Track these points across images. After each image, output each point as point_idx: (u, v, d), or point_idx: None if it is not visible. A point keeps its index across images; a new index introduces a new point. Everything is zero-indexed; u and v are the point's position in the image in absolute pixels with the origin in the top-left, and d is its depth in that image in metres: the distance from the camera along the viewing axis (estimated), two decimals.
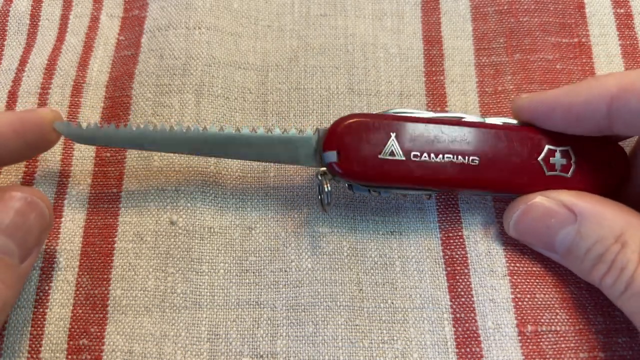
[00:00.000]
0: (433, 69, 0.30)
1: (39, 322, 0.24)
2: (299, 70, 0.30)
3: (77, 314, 0.24)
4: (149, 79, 0.29)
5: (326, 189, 0.24)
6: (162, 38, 0.30)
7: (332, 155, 0.24)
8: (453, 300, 0.25)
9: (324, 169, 0.24)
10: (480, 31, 0.31)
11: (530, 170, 0.24)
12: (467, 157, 0.24)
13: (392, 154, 0.24)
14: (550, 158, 0.24)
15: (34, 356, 0.24)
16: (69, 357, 0.24)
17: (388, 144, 0.24)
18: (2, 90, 0.29)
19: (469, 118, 0.25)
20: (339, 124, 0.24)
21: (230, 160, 0.28)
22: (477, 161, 0.24)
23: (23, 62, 0.30)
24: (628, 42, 0.31)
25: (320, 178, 0.24)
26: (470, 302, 0.25)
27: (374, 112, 0.26)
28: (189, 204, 0.26)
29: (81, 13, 0.32)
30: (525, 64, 0.30)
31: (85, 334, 0.24)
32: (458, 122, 0.25)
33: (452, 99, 0.30)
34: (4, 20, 0.31)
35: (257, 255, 0.26)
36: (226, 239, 0.26)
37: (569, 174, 0.24)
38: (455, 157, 0.24)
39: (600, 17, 0.32)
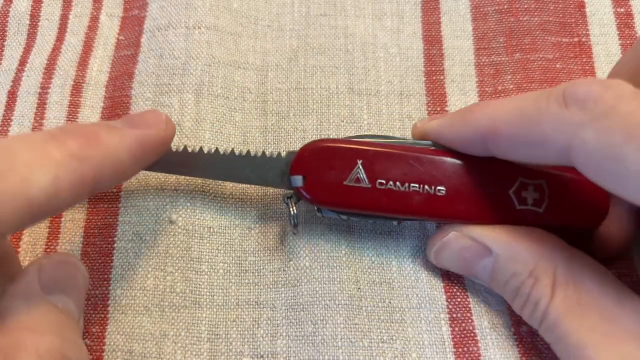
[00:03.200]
0: (433, 69, 0.30)
1: None
2: (298, 70, 0.30)
3: None
4: (149, 79, 0.29)
5: (292, 212, 0.24)
6: (162, 38, 0.30)
7: (298, 180, 0.24)
8: (449, 300, 0.25)
9: (291, 191, 0.24)
10: (480, 31, 0.31)
11: (500, 203, 0.23)
12: (433, 187, 0.23)
13: (357, 180, 0.23)
14: (523, 191, 0.23)
15: None
16: None
17: (354, 170, 0.23)
18: (2, 90, 0.29)
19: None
20: (306, 148, 0.24)
21: None
22: (443, 191, 0.23)
23: (23, 62, 0.30)
24: (628, 42, 0.31)
25: (286, 201, 0.25)
26: (466, 303, 0.25)
27: (345, 137, 0.25)
28: (188, 204, 0.27)
29: (81, 13, 0.32)
30: (525, 63, 0.30)
31: (86, 334, 0.24)
32: (426, 151, 0.24)
33: (452, 99, 0.30)
34: (4, 21, 0.31)
35: (257, 255, 0.26)
36: (225, 238, 0.26)
37: (542, 209, 0.23)
38: (421, 186, 0.23)
39: (600, 17, 0.32)
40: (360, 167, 0.23)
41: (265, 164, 0.25)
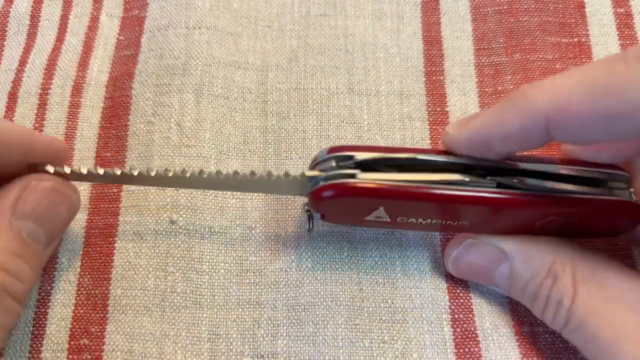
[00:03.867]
0: (433, 69, 0.30)
1: (41, 322, 0.24)
2: (298, 70, 0.30)
3: (79, 314, 0.25)
4: (149, 79, 0.29)
5: (310, 226, 0.25)
6: (162, 38, 0.30)
7: (316, 215, 0.24)
8: (452, 301, 0.25)
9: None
10: (480, 31, 0.31)
11: (523, 231, 0.23)
12: (456, 222, 0.23)
13: (378, 217, 0.23)
14: (552, 223, 0.23)
15: (35, 356, 0.24)
16: (70, 357, 0.24)
17: (375, 212, 0.23)
18: (2, 91, 0.29)
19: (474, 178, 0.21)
20: (323, 191, 0.22)
21: (230, 160, 0.28)
22: (467, 224, 0.23)
23: (23, 62, 0.30)
24: (628, 42, 0.31)
25: (307, 209, 0.24)
26: (469, 303, 0.25)
27: (375, 144, 0.24)
28: (189, 203, 0.27)
29: (81, 13, 0.32)
30: (525, 63, 0.31)
31: (86, 333, 0.24)
32: (451, 196, 0.21)
33: (452, 99, 0.30)
34: (4, 21, 0.31)
35: (258, 255, 0.26)
36: (226, 238, 0.26)
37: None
38: (444, 221, 0.23)
39: (600, 17, 0.32)
40: (382, 210, 0.23)
41: (277, 186, 0.23)
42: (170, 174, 0.23)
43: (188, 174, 0.23)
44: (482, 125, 0.21)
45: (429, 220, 0.23)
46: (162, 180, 0.23)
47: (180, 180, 0.23)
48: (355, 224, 0.25)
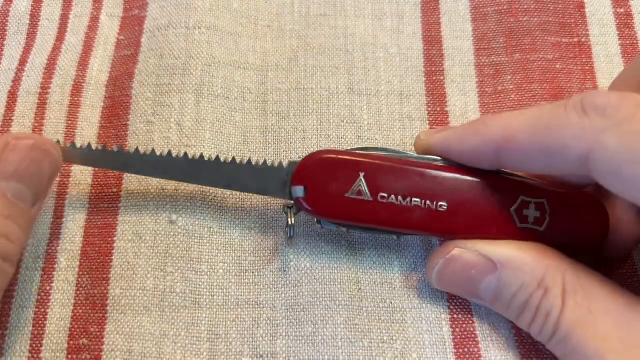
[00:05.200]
0: (433, 69, 0.30)
1: (40, 322, 0.24)
2: (298, 70, 0.30)
3: (78, 314, 0.25)
4: (149, 79, 0.29)
5: (289, 223, 0.24)
6: (162, 38, 0.30)
7: (299, 190, 0.24)
8: (451, 300, 0.25)
9: (292, 202, 0.24)
10: (480, 31, 0.31)
11: (501, 221, 0.23)
12: (435, 203, 0.23)
13: (359, 193, 0.23)
14: (524, 210, 0.23)
15: (35, 356, 0.24)
16: (69, 356, 0.24)
17: (356, 183, 0.23)
18: (2, 90, 0.29)
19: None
20: (308, 159, 0.24)
21: None
22: (445, 207, 0.23)
23: (23, 62, 0.30)
24: (628, 42, 0.31)
25: (286, 211, 0.24)
26: (468, 303, 0.25)
27: (348, 148, 0.25)
28: (188, 203, 0.27)
29: (81, 13, 0.32)
30: (525, 63, 0.30)
31: (85, 333, 0.24)
32: (429, 166, 0.24)
33: (452, 99, 0.30)
34: (4, 20, 0.31)
35: (257, 255, 0.26)
36: (225, 238, 0.26)
37: (542, 228, 0.23)
38: (423, 202, 0.23)
39: (600, 17, 0.32)
40: (363, 179, 0.23)
41: (267, 173, 0.25)
42: (158, 154, 0.25)
43: (174, 154, 0.25)
44: (445, 139, 0.24)
45: (409, 200, 0.23)
46: (144, 160, 0.25)
47: (166, 165, 0.25)
48: (339, 220, 0.24)
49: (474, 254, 0.23)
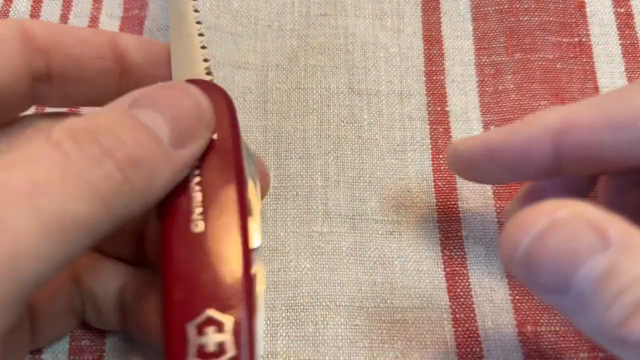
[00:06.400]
0: (433, 69, 0.30)
1: None
2: (299, 69, 0.30)
3: None
4: None
5: None
6: (162, 38, 0.30)
7: None
8: (452, 300, 0.25)
9: None
10: (480, 31, 0.31)
11: None
12: None
13: None
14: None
15: (37, 357, 0.24)
16: (71, 357, 0.24)
17: None
18: None
19: None
20: None
21: None
22: None
23: None
24: (629, 42, 0.31)
25: None
26: (470, 303, 0.25)
27: None
28: None
29: (81, 13, 0.32)
30: (525, 63, 0.30)
31: (87, 334, 0.24)
32: None
33: (452, 99, 0.30)
34: None
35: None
36: None
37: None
38: None
39: (600, 17, 0.32)
40: None
41: None
42: None
43: None
44: (489, 136, 0.21)
45: None
46: None
47: None
48: None
49: (583, 221, 0.16)
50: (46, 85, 0.21)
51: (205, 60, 0.23)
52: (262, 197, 0.23)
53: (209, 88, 0.20)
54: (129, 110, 0.17)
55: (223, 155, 0.19)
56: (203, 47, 0.23)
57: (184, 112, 0.18)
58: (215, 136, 0.19)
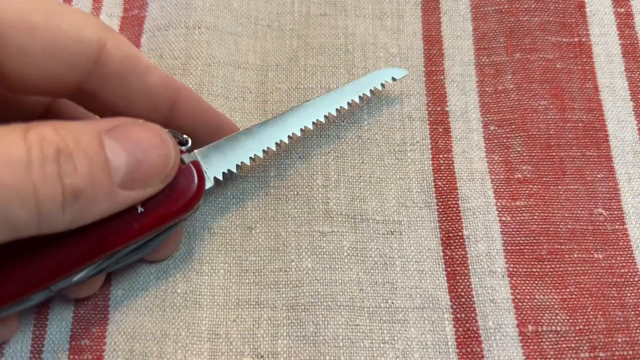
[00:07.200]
0: (433, 69, 0.30)
1: (42, 323, 0.24)
2: (298, 69, 0.30)
3: (79, 314, 0.24)
4: None
5: None
6: (162, 38, 0.30)
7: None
8: (453, 300, 0.25)
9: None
10: (480, 31, 0.31)
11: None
12: None
13: None
14: None
15: (37, 356, 0.24)
16: (71, 357, 0.24)
17: None
18: None
19: None
20: None
21: None
22: None
23: None
24: (628, 42, 0.31)
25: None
26: (471, 302, 0.25)
27: None
28: None
29: None
30: (525, 63, 0.30)
31: (86, 334, 0.24)
32: None
33: (452, 99, 0.30)
34: None
35: (257, 255, 0.26)
36: (226, 239, 0.26)
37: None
38: None
39: (600, 17, 0.32)
40: None
41: None
42: None
43: None
44: None
45: None
46: None
47: None
48: None
49: None
50: (85, 98, 0.21)
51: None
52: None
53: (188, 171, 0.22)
54: (102, 136, 0.18)
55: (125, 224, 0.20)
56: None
57: (148, 160, 0.19)
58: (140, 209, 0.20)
